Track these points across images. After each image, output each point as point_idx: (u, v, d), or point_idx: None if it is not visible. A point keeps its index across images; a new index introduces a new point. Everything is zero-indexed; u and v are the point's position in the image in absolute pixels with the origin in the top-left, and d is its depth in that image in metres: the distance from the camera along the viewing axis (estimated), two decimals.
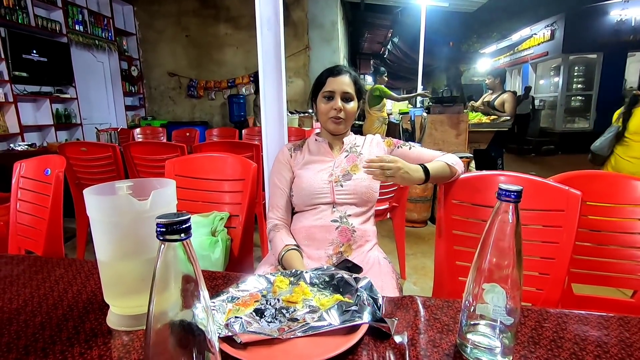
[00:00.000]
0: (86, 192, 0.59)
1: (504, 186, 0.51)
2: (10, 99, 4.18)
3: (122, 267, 0.61)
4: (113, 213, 0.58)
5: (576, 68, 8.74)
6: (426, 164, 1.06)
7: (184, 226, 0.34)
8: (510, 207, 0.51)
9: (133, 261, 0.60)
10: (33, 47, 4.47)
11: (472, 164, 3.30)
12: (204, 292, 0.38)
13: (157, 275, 0.35)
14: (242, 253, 1.37)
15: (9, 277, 0.83)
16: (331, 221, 1.12)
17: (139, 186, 0.67)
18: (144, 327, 0.59)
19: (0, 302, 0.72)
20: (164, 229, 0.33)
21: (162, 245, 0.35)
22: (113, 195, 0.65)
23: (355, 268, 1.01)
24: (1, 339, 0.60)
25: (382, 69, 4.72)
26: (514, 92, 4.02)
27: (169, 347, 0.38)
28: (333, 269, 0.80)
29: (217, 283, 0.80)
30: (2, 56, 4.10)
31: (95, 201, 0.59)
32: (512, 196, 0.50)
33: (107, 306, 0.67)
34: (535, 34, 9.37)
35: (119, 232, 0.59)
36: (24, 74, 4.35)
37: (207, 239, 1.28)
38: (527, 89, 8.65)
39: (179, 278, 0.36)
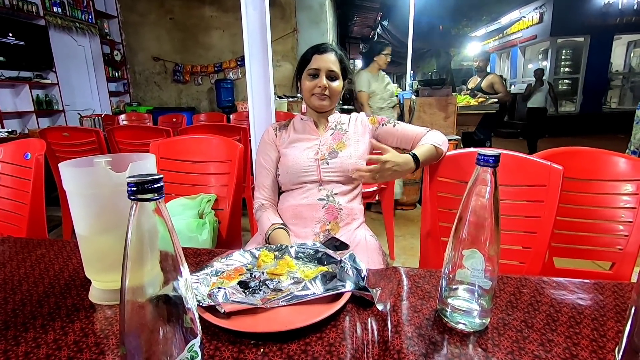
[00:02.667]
0: (62, 165, 0.58)
1: (482, 151, 0.51)
2: None
3: (101, 241, 0.61)
4: (90, 185, 0.57)
5: (564, 51, 8.81)
6: (416, 152, 1.05)
7: (156, 185, 0.33)
8: (489, 171, 0.51)
9: (113, 234, 0.60)
10: (9, 30, 4.28)
11: (461, 146, 3.32)
12: (181, 256, 0.38)
13: (130, 239, 0.35)
14: (230, 235, 1.37)
15: None
16: (318, 199, 1.12)
17: (119, 161, 0.66)
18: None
19: None
20: (135, 188, 0.33)
21: (134, 206, 0.34)
22: (90, 167, 0.63)
23: (342, 246, 1.02)
24: None
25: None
26: (500, 76, 4.10)
27: (146, 316, 0.38)
28: (318, 244, 0.80)
29: (202, 259, 0.80)
30: None
31: (72, 174, 0.57)
32: (491, 161, 0.50)
33: (89, 283, 0.66)
34: (524, 16, 9.36)
35: (97, 205, 0.58)
36: (1, 59, 4.19)
37: (194, 221, 1.27)
38: (539, 73, 6.16)
39: (154, 241, 0.36)
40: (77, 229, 0.61)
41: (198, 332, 0.39)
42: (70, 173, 0.58)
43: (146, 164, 0.61)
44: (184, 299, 0.38)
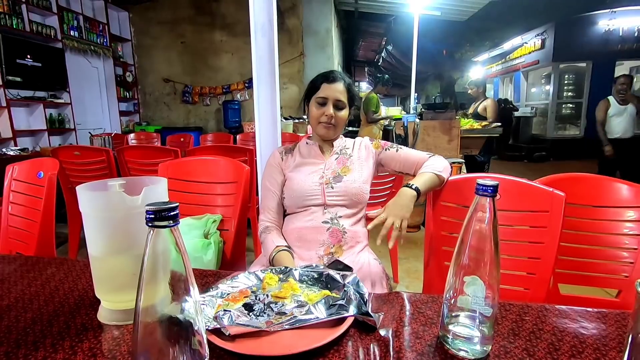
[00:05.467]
0: (79, 188, 0.60)
1: (481, 181, 0.53)
2: (4, 104, 4.17)
3: (113, 262, 0.63)
4: (105, 208, 0.60)
5: (566, 76, 8.91)
6: (417, 183, 1.06)
7: (172, 213, 0.36)
8: (488, 200, 0.53)
9: (124, 256, 0.62)
10: (27, 52, 4.46)
11: (464, 169, 3.34)
12: (192, 280, 0.40)
13: (146, 262, 0.37)
14: (235, 255, 1.38)
15: (0, 275, 0.83)
16: (322, 222, 1.14)
17: (131, 184, 0.69)
18: None
19: None
20: (153, 216, 0.35)
21: (151, 232, 0.36)
22: (105, 191, 0.66)
23: (346, 269, 1.03)
24: None
25: (387, 76, 4.73)
26: (496, 100, 4.18)
27: (157, 336, 0.40)
28: (321, 267, 0.82)
29: (208, 281, 0.82)
30: None
31: (88, 197, 0.60)
32: (489, 190, 0.52)
33: (98, 303, 0.68)
34: (526, 42, 9.55)
35: (110, 227, 0.61)
36: (18, 79, 4.34)
37: (199, 241, 1.29)
38: (626, 82, 3.93)
39: (167, 264, 0.38)
40: (90, 249, 0.63)
41: (206, 354, 0.41)
42: (86, 196, 0.60)
43: (158, 188, 0.64)
44: (193, 321, 0.40)
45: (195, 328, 0.41)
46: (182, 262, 0.38)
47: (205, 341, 0.41)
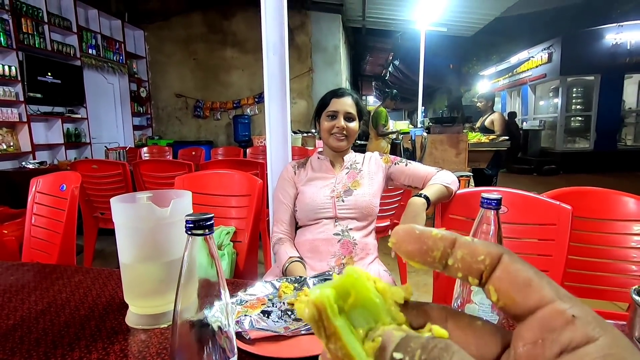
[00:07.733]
0: (113, 200, 0.66)
1: (485, 195, 0.57)
2: (24, 119, 4.34)
3: (142, 269, 0.67)
4: (136, 219, 0.65)
5: (574, 89, 8.91)
6: (426, 192, 1.10)
7: (207, 223, 0.40)
8: (492, 213, 0.57)
9: (153, 264, 0.66)
10: (48, 70, 4.66)
11: (472, 183, 3.36)
12: (224, 283, 0.44)
13: (184, 267, 0.42)
14: (248, 266, 1.42)
15: (32, 282, 0.89)
16: (333, 234, 1.18)
17: (157, 197, 0.74)
18: (161, 325, 0.65)
19: (26, 304, 0.77)
20: (191, 225, 0.40)
21: (189, 239, 0.41)
22: (136, 203, 0.71)
23: None
24: (30, 336, 0.65)
25: (395, 91, 4.82)
26: (512, 113, 4.22)
27: (192, 337, 0.44)
28: (332, 274, 0.85)
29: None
30: (19, 78, 4.28)
31: (121, 208, 0.65)
32: (493, 204, 0.56)
33: (125, 308, 0.72)
34: (532, 56, 9.61)
35: (140, 236, 0.66)
36: (38, 95, 4.52)
37: None
38: None
39: (202, 267, 0.42)
40: (121, 257, 0.68)
41: (234, 354, 0.44)
42: (119, 207, 0.66)
43: (184, 201, 0.69)
44: (224, 324, 0.44)
45: (225, 330, 0.45)
46: (215, 267, 0.43)
47: (234, 343, 0.45)
